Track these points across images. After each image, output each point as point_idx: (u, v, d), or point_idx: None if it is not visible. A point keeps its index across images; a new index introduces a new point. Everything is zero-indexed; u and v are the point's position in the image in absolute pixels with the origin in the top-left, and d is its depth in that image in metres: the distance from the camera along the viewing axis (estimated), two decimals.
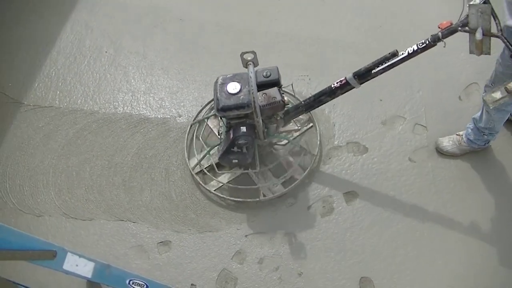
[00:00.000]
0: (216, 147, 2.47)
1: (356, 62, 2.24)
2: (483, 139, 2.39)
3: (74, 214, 2.49)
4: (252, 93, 1.98)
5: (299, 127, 2.59)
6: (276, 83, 2.11)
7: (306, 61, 2.94)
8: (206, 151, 2.50)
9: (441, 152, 2.54)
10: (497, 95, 1.78)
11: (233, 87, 2.05)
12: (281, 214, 2.43)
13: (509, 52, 1.82)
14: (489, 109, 2.18)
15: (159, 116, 2.80)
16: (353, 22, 3.12)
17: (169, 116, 2.79)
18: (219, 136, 2.40)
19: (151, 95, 2.89)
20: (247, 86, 2.05)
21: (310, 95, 2.27)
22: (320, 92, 2.19)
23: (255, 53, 2.07)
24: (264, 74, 2.10)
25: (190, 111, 2.80)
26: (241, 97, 2.04)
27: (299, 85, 2.82)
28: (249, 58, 2.07)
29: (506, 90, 1.75)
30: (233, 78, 2.09)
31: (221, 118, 2.34)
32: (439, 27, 1.94)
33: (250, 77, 1.99)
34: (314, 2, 3.24)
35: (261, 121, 2.11)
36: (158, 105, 2.84)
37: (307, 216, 2.40)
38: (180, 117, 2.77)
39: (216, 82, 2.11)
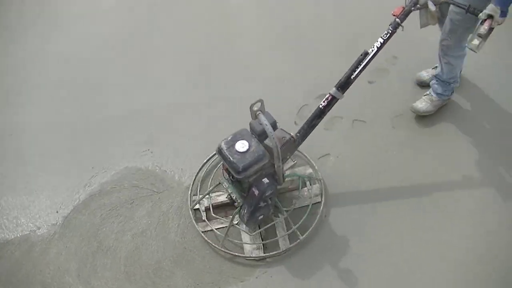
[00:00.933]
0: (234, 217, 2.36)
1: None
2: (450, 88, 2.72)
3: None
4: (273, 138, 1.95)
5: (295, 161, 2.52)
6: (275, 127, 2.11)
7: None
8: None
9: (419, 114, 2.78)
10: (476, 42, 1.99)
11: (241, 145, 2.03)
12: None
13: (462, 10, 1.97)
14: (453, 59, 2.52)
15: None
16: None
17: None
18: (236, 203, 2.27)
19: None
20: (253, 140, 2.05)
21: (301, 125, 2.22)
22: (311, 117, 2.18)
23: (262, 101, 2.03)
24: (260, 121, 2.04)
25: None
26: (254, 151, 2.03)
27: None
28: (255, 109, 2.01)
29: (479, 36, 1.97)
30: (235, 139, 2.06)
31: (226, 189, 2.29)
32: (393, 15, 2.06)
33: (266, 125, 1.94)
34: None
35: (281, 165, 2.09)
36: None
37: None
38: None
39: (221, 149, 2.06)
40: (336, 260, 2.32)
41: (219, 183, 2.39)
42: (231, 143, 2.05)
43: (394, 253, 2.33)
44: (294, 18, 3.48)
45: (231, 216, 2.38)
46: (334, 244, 2.38)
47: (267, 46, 3.31)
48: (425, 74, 2.94)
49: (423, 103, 2.77)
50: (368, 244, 2.36)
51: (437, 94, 2.74)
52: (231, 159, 2.01)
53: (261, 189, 2.07)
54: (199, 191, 2.60)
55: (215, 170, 2.67)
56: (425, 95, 2.80)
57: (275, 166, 2.09)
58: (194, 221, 2.47)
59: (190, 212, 2.52)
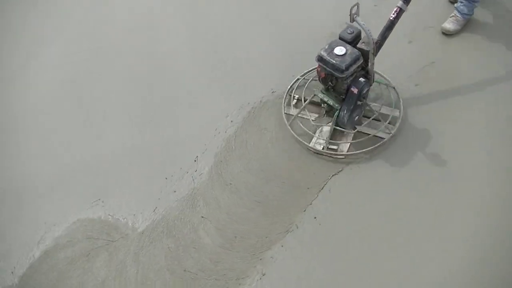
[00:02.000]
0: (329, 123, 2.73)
1: None
2: (473, 6, 3.15)
3: None
4: (371, 37, 2.31)
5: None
6: (359, 36, 2.45)
7: None
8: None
9: (447, 33, 3.21)
10: None
11: (339, 50, 2.37)
12: None
13: None
14: None
15: None
16: None
17: None
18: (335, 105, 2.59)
19: None
20: (347, 45, 2.39)
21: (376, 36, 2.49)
22: (383, 29, 2.51)
23: (358, 4, 2.29)
24: (348, 31, 2.44)
25: None
26: (352, 53, 2.37)
27: None
28: (353, 12, 2.28)
29: None
30: (332, 46, 2.39)
31: (321, 98, 2.63)
32: None
33: (363, 26, 2.28)
34: None
35: (374, 63, 2.46)
36: None
37: None
38: None
39: (322, 56, 2.38)
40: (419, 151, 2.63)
41: (314, 95, 2.71)
42: (330, 50, 2.38)
43: None
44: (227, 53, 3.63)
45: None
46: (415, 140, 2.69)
47: (206, 83, 3.44)
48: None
49: (450, 24, 3.19)
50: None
51: (462, 14, 3.16)
52: (334, 61, 2.34)
53: (359, 87, 2.42)
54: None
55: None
56: (451, 16, 3.21)
57: (369, 65, 2.44)
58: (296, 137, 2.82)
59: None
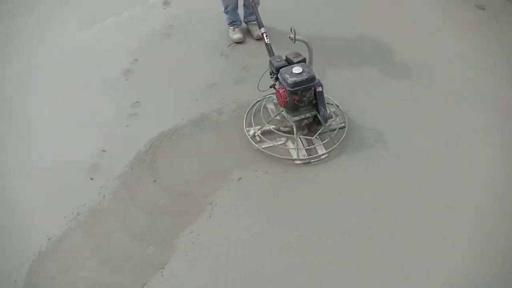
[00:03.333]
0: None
1: None
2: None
3: None
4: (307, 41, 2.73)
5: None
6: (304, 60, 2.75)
7: None
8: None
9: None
10: None
11: (296, 70, 2.60)
12: None
13: None
14: None
15: None
16: None
17: None
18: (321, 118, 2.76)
19: None
20: (294, 64, 2.66)
21: None
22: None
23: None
24: (278, 59, 2.74)
25: None
26: (302, 64, 2.67)
27: None
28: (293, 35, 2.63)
29: None
30: (287, 71, 2.62)
31: (301, 119, 2.78)
32: None
33: (302, 38, 2.68)
34: None
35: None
36: None
37: None
38: None
39: (296, 82, 2.57)
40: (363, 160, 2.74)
41: (281, 123, 2.93)
42: (293, 74, 2.59)
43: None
44: None
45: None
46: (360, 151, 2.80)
47: None
48: None
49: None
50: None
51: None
52: (305, 76, 2.58)
53: (320, 83, 2.67)
54: None
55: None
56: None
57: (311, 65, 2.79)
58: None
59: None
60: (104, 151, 2.86)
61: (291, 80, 2.58)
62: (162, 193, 2.60)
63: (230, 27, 3.70)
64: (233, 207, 2.50)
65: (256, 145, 2.82)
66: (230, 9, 3.62)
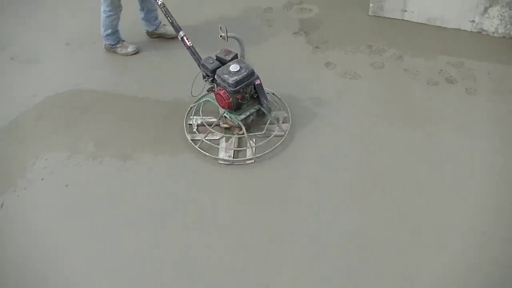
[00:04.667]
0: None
1: None
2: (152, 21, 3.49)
3: None
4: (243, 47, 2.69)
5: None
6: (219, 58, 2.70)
7: None
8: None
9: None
10: None
11: (234, 68, 2.56)
12: None
13: None
14: None
15: None
16: None
17: None
18: (265, 111, 2.75)
19: None
20: (230, 62, 2.62)
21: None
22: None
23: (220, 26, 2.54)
24: (211, 61, 2.67)
25: None
26: (238, 60, 2.64)
27: None
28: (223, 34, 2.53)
29: None
30: (224, 70, 2.57)
31: (247, 116, 2.72)
32: None
33: (234, 35, 2.61)
34: None
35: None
36: None
37: None
38: None
39: (237, 81, 2.52)
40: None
41: (222, 119, 2.82)
42: (230, 72, 2.55)
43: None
44: None
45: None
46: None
47: None
48: None
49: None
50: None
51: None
52: (244, 73, 2.54)
53: (257, 77, 2.62)
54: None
55: None
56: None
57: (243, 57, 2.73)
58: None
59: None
60: None
61: (232, 80, 2.51)
62: None
63: (118, 45, 3.46)
64: None
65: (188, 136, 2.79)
66: (115, 30, 3.41)
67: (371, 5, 3.75)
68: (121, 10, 3.29)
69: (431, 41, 3.51)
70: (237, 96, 2.59)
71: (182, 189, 2.60)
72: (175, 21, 2.87)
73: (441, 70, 3.27)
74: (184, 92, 2.96)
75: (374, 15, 3.71)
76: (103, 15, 3.29)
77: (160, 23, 3.56)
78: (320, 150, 2.77)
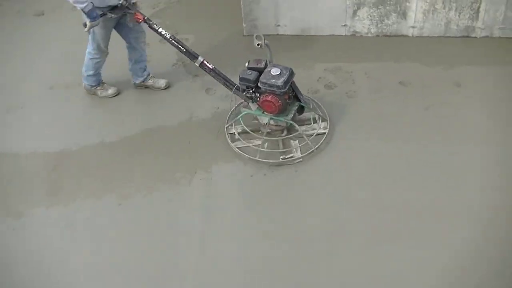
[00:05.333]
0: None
1: None
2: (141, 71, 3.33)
3: None
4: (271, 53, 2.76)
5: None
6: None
7: None
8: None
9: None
10: None
11: (275, 71, 2.60)
12: None
13: None
14: None
15: None
16: None
17: None
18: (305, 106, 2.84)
19: None
20: (273, 67, 2.65)
21: None
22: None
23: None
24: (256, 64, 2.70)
25: None
26: (276, 64, 2.68)
27: None
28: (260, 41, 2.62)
29: None
30: (267, 77, 2.60)
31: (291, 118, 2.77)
32: None
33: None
34: None
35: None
36: None
37: None
38: None
39: (284, 82, 2.57)
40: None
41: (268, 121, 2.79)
42: (273, 78, 2.59)
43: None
44: None
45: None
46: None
47: None
48: None
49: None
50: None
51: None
52: (288, 76, 2.59)
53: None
54: None
55: None
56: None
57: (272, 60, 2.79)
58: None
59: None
60: None
61: (280, 81, 2.57)
62: None
63: (99, 88, 3.31)
64: None
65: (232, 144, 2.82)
66: (97, 72, 3.26)
67: (244, 25, 3.69)
68: (106, 55, 3.17)
69: (307, 51, 3.50)
70: (285, 97, 2.64)
71: (254, 193, 2.63)
72: (190, 49, 2.84)
73: (319, 77, 3.25)
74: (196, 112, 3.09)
75: (250, 35, 3.64)
76: (87, 56, 3.15)
77: (149, 74, 3.35)
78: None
